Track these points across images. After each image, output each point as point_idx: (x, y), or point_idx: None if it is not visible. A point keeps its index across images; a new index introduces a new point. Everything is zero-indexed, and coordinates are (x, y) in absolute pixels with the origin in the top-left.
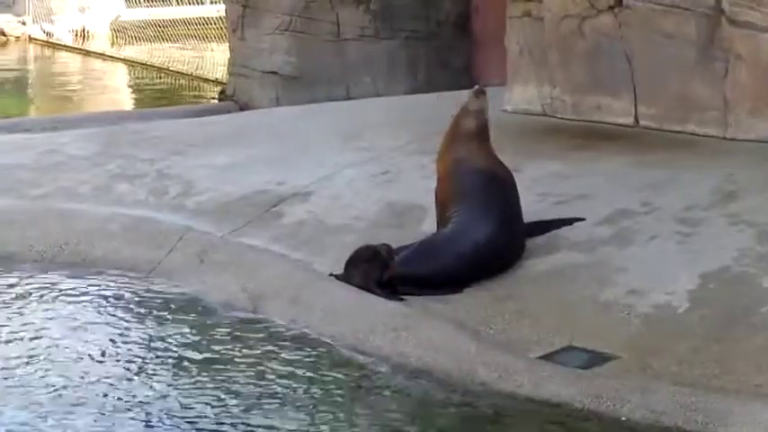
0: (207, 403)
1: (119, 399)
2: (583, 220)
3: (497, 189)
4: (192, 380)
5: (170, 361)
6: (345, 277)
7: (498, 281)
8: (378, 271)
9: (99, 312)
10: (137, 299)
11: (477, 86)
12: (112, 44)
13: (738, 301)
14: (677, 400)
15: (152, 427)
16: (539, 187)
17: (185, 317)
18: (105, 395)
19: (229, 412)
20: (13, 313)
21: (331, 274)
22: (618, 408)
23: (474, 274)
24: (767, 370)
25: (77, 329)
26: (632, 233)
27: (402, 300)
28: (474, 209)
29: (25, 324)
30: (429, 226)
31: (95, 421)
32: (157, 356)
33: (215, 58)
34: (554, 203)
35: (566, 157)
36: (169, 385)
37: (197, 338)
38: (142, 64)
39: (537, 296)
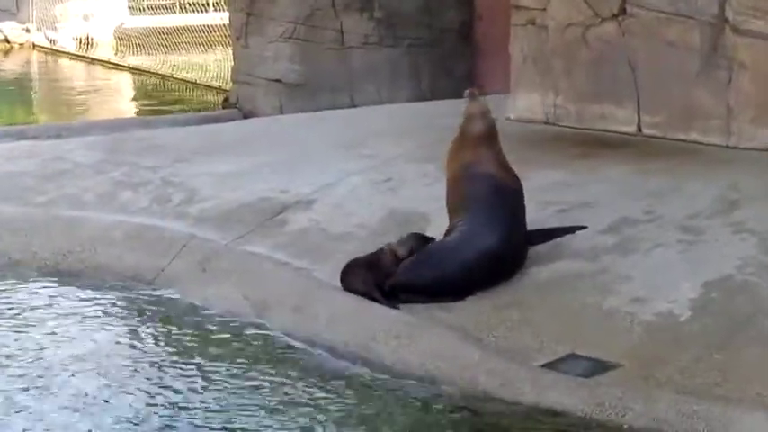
0: (210, 410)
1: (120, 407)
2: (585, 228)
3: (503, 197)
4: (195, 388)
5: (172, 369)
6: (346, 284)
7: (501, 289)
8: (378, 278)
9: (102, 320)
10: (140, 307)
11: (468, 90)
12: (116, 52)
13: (741, 310)
14: (679, 408)
15: None
16: (542, 195)
17: (188, 324)
18: (107, 402)
19: (232, 419)
20: (17, 321)
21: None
22: (620, 416)
23: (476, 283)
24: None
25: (80, 337)
26: (635, 241)
27: (400, 307)
28: (478, 217)
29: (28, 332)
30: (431, 234)
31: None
32: (160, 364)
33: (219, 66)
34: (557, 212)
35: (569, 166)
36: (171, 393)
37: (200, 346)
38: (146, 71)
39: (540, 304)
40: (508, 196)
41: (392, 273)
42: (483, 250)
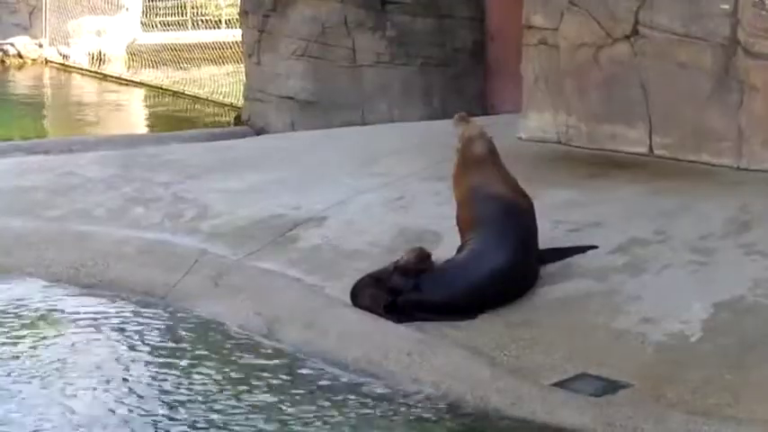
0: (221, 427)
1: (134, 421)
2: (596, 248)
3: (513, 216)
4: (208, 403)
5: (185, 384)
6: (355, 301)
7: (512, 308)
8: (385, 295)
9: (113, 335)
10: (151, 322)
11: (457, 114)
12: (128, 68)
13: (752, 331)
14: (690, 428)
15: None
16: (553, 215)
17: (200, 340)
18: (117, 415)
19: None
20: (30, 335)
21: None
22: None
23: (486, 302)
24: None
25: (92, 352)
26: (646, 262)
27: (412, 323)
28: (489, 236)
29: (40, 346)
30: (443, 252)
31: None
32: (172, 379)
33: (231, 83)
34: (568, 231)
35: (580, 185)
36: (184, 408)
37: (211, 362)
38: (158, 88)
39: (551, 323)
40: (518, 215)
41: (396, 288)
42: (493, 269)
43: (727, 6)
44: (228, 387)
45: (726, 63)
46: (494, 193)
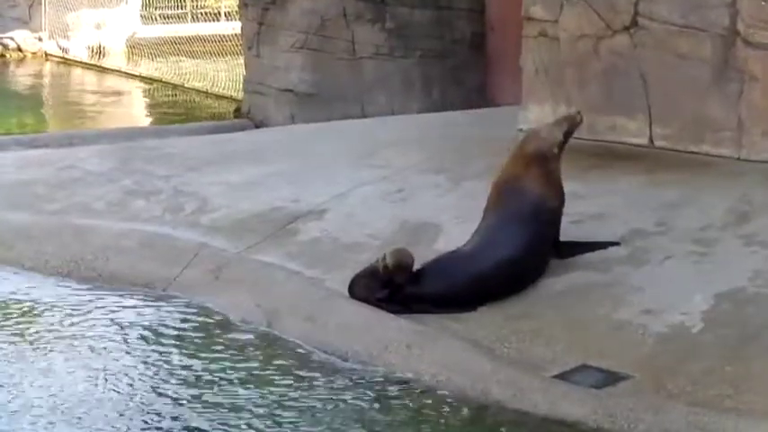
0: (223, 420)
1: (134, 416)
2: (618, 244)
3: (525, 213)
4: (208, 396)
5: (185, 377)
6: (352, 293)
7: (513, 300)
8: (380, 286)
9: (114, 329)
10: (152, 315)
11: (573, 112)
12: (128, 61)
13: (752, 322)
14: (691, 420)
15: None
16: None
17: (200, 333)
18: (117, 411)
19: (246, 428)
20: (29, 329)
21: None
22: (632, 427)
23: (484, 295)
24: None
25: (92, 346)
26: (647, 253)
27: (412, 316)
28: (492, 230)
29: (40, 341)
30: (443, 244)
31: None
32: (172, 373)
33: (230, 76)
34: (570, 223)
35: (581, 177)
36: (184, 401)
37: (212, 355)
38: (158, 81)
39: (552, 315)
40: (530, 212)
41: (386, 282)
42: (491, 264)
43: None
44: (228, 381)
45: (725, 53)
46: (517, 188)
